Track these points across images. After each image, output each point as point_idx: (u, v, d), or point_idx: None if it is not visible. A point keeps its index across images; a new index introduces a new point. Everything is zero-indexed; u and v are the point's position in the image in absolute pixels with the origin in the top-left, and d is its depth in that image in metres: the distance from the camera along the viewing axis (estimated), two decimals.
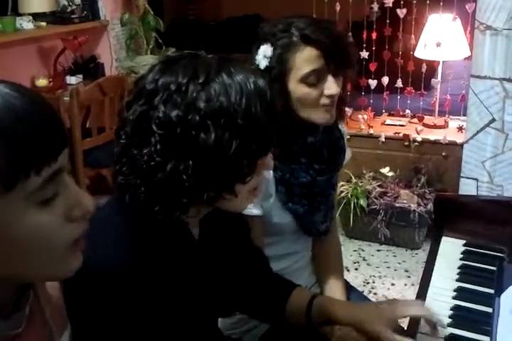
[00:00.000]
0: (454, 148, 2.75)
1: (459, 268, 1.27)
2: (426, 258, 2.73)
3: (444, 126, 2.90)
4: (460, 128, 2.80)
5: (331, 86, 1.15)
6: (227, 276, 1.02)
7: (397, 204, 2.75)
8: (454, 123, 2.90)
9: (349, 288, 1.46)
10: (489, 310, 1.09)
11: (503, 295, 1.04)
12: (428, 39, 2.71)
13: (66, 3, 2.95)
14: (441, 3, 2.61)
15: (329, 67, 1.15)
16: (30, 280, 0.65)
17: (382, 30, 2.78)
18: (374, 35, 2.75)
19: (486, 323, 1.04)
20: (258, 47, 1.17)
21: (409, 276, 2.66)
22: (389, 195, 2.79)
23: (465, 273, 1.24)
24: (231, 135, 0.78)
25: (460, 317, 1.09)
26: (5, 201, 0.54)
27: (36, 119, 0.55)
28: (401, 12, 2.64)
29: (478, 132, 2.43)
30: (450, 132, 2.84)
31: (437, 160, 2.81)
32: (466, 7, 2.46)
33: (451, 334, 1.04)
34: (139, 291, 0.81)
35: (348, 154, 1.42)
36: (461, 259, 1.30)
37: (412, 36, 2.77)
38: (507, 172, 2.43)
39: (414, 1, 2.67)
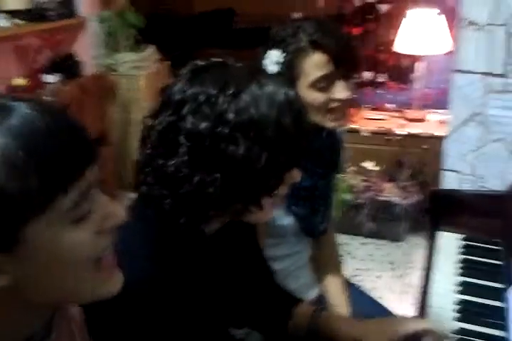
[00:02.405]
0: (436, 141, 2.79)
1: (459, 262, 1.30)
2: (410, 250, 2.82)
3: (425, 120, 2.94)
4: (441, 122, 2.84)
5: (341, 90, 1.16)
6: (239, 286, 1.02)
7: (381, 198, 2.78)
8: (434, 116, 2.94)
9: (348, 284, 1.48)
10: (496, 303, 1.12)
11: None
12: (409, 34, 2.74)
13: (42, 0, 2.88)
14: None
15: (338, 72, 1.15)
16: (70, 302, 0.64)
17: (362, 25, 2.80)
18: (355, 31, 2.77)
19: (496, 317, 1.06)
20: (266, 52, 1.16)
21: (394, 268, 2.70)
22: (373, 188, 2.82)
23: (466, 268, 1.27)
24: (260, 148, 0.77)
25: (468, 311, 1.11)
26: (39, 224, 0.53)
27: (61, 137, 0.54)
28: (382, 7, 2.66)
29: (460, 125, 2.47)
30: (431, 125, 2.88)
31: (419, 154, 2.85)
32: (448, 2, 2.49)
33: (461, 328, 1.06)
34: (162, 303, 0.81)
35: (347, 154, 1.44)
36: (460, 253, 1.33)
37: (393, 31, 2.80)
38: (489, 165, 2.47)
39: None
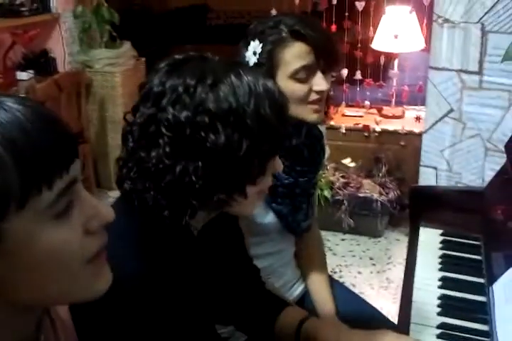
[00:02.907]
0: (412, 138, 2.82)
1: (440, 257, 1.31)
2: (389, 245, 2.84)
3: (402, 116, 2.97)
4: (417, 118, 2.87)
5: (320, 82, 1.15)
6: (224, 283, 1.01)
7: (360, 194, 2.81)
8: (410, 113, 2.97)
9: (332, 280, 1.49)
10: (478, 298, 1.13)
11: (495, 285, 1.08)
12: (385, 31, 2.76)
13: None
14: None
15: (319, 63, 1.15)
16: (58, 304, 0.62)
17: (338, 22, 2.81)
18: (332, 28, 2.78)
19: (478, 312, 1.08)
20: (247, 44, 1.16)
21: (374, 264, 2.73)
22: (352, 185, 2.84)
23: (447, 263, 1.28)
24: (241, 135, 0.77)
25: (450, 306, 1.12)
26: (19, 220, 0.51)
27: (44, 133, 0.53)
28: (360, 5, 2.68)
29: (436, 122, 2.50)
30: (408, 122, 2.91)
31: (396, 150, 2.88)
32: (423, 0, 2.52)
33: (443, 323, 1.07)
34: (148, 299, 0.80)
35: (327, 152, 1.44)
36: (440, 249, 1.35)
37: (370, 28, 2.81)
38: (465, 161, 2.51)
39: None
